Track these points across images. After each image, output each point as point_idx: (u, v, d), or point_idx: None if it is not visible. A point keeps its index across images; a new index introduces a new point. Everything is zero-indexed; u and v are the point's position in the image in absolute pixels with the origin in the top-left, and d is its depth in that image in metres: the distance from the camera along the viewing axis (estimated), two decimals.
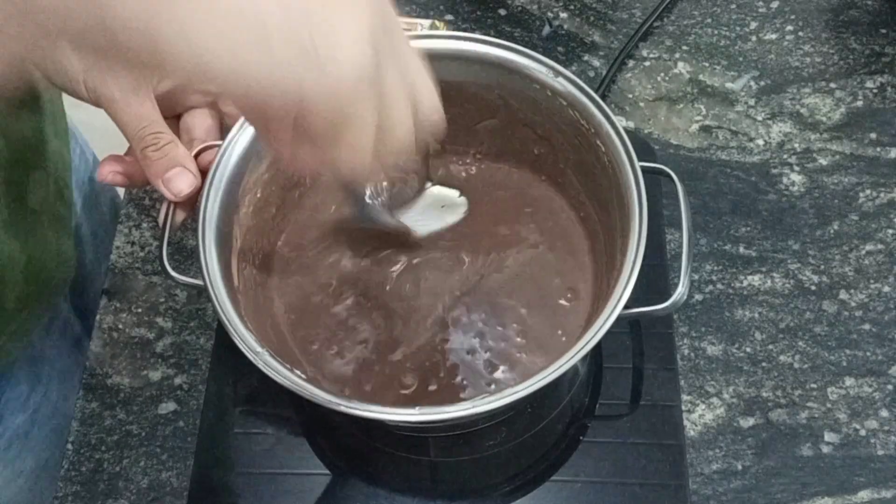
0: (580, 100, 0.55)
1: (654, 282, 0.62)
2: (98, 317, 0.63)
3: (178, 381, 0.61)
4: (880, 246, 0.65)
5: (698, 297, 0.63)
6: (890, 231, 0.66)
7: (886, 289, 0.64)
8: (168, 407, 0.60)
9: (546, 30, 0.76)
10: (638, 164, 0.52)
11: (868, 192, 0.68)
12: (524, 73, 0.57)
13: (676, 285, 0.50)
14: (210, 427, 0.58)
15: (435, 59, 0.58)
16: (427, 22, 0.76)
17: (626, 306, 0.48)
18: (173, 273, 0.52)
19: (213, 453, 0.58)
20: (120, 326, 0.63)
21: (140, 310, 0.64)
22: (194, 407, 0.60)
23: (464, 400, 0.48)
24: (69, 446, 0.59)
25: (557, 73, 0.56)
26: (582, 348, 0.47)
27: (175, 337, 0.63)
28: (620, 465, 0.57)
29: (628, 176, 0.52)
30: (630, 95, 0.73)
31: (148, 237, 0.66)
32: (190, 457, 0.58)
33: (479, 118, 0.62)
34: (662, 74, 0.74)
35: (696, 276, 0.64)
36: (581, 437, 0.58)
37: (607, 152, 0.54)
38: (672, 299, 0.50)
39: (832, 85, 0.73)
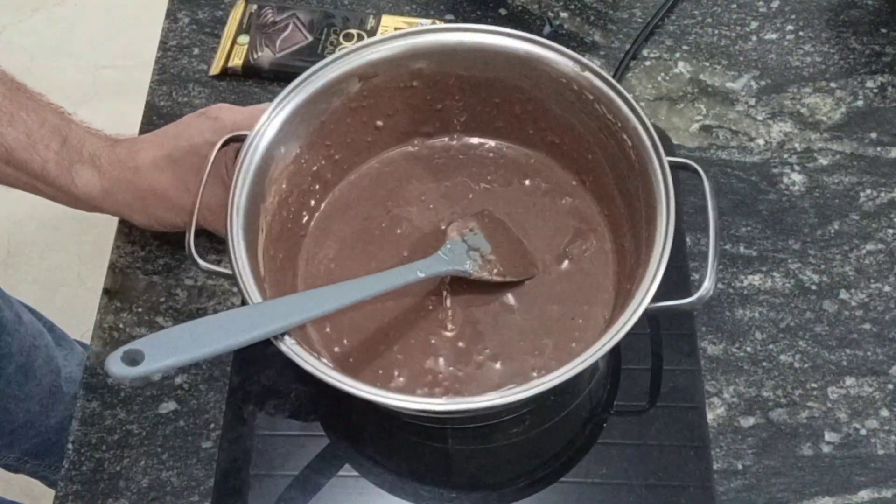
0: (607, 94, 0.56)
1: (674, 277, 0.61)
2: (98, 317, 0.63)
3: (178, 380, 0.61)
4: (881, 245, 0.65)
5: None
6: (890, 231, 0.66)
7: (887, 288, 0.64)
8: (168, 406, 0.60)
9: (546, 29, 0.76)
10: (665, 159, 0.52)
11: (868, 191, 0.68)
12: (550, 67, 0.57)
13: (696, 282, 0.50)
14: (233, 414, 0.59)
15: (460, 52, 0.59)
16: (427, 21, 0.75)
17: (651, 301, 0.48)
18: (201, 262, 0.52)
19: (237, 438, 0.58)
20: (120, 326, 0.63)
21: (140, 309, 0.64)
22: (195, 406, 0.60)
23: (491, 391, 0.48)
24: (69, 446, 0.59)
25: (584, 68, 0.56)
26: (610, 339, 0.48)
27: None
28: (641, 466, 0.57)
29: (655, 170, 0.53)
30: (630, 95, 0.73)
31: (148, 237, 0.66)
32: (190, 456, 0.58)
33: (503, 111, 0.62)
34: (663, 74, 0.74)
35: (696, 276, 0.64)
36: (600, 432, 0.58)
37: (634, 146, 0.54)
38: (698, 294, 0.50)
39: (832, 84, 0.73)
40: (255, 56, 0.74)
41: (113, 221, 0.67)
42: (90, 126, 0.62)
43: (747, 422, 0.59)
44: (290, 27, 0.75)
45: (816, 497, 0.57)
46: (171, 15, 0.78)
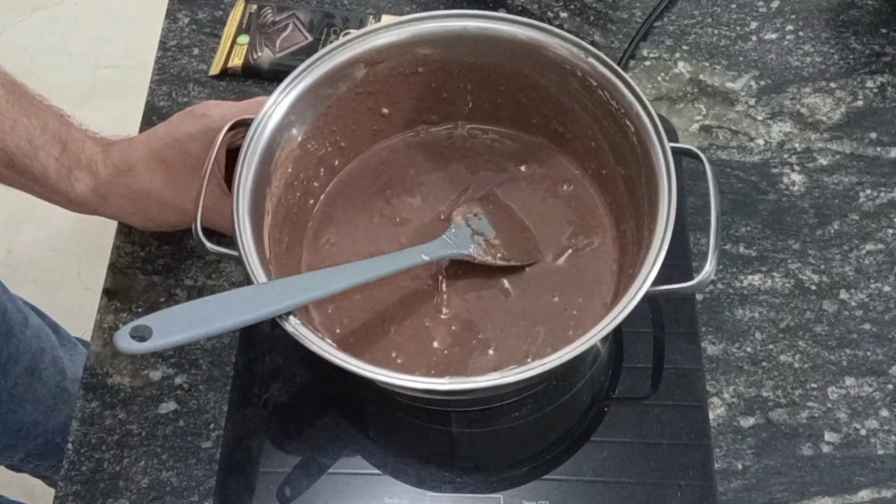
0: (611, 80, 0.56)
1: (676, 269, 0.62)
2: (98, 317, 0.63)
3: (178, 380, 0.61)
4: (880, 245, 0.65)
5: (698, 296, 0.63)
6: (890, 231, 0.66)
7: (887, 288, 0.64)
8: (168, 406, 0.60)
9: None
10: (668, 145, 0.53)
11: (868, 191, 0.68)
12: (553, 53, 0.57)
13: (698, 258, 0.50)
14: (238, 399, 0.59)
15: (464, 39, 0.59)
16: None
17: (653, 284, 0.48)
18: (208, 244, 0.52)
19: (242, 420, 0.59)
20: (120, 326, 0.63)
21: (140, 309, 0.64)
22: (194, 406, 0.60)
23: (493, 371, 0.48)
24: (69, 446, 0.59)
25: (588, 54, 0.56)
26: (613, 319, 0.48)
27: None
28: (642, 463, 0.57)
29: (658, 155, 0.53)
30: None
31: (148, 236, 0.66)
32: (190, 456, 0.58)
33: (507, 99, 0.62)
34: (663, 74, 0.74)
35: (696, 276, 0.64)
36: (602, 419, 0.58)
37: (637, 132, 0.55)
38: (699, 278, 0.50)
39: (832, 85, 0.73)
40: (255, 56, 0.74)
41: (113, 222, 0.67)
42: (88, 129, 0.62)
43: (747, 422, 0.59)
44: (290, 27, 0.75)
45: (816, 497, 0.57)
46: (171, 15, 0.78)
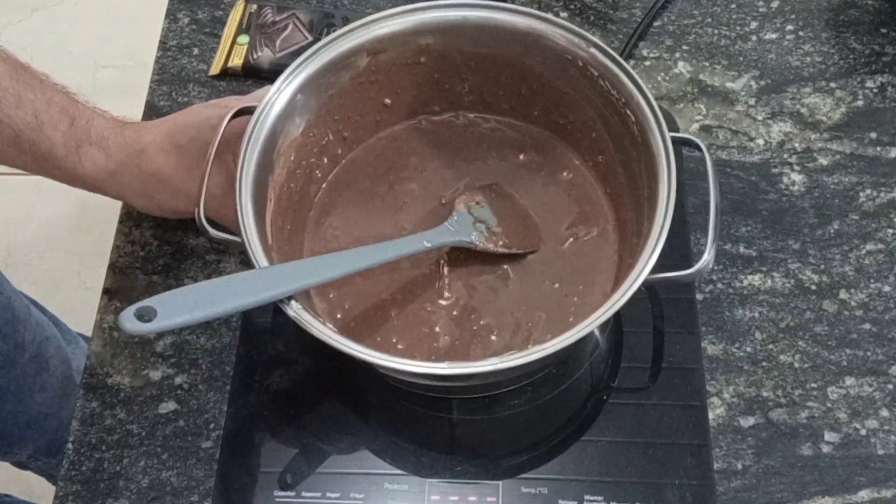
0: (611, 70, 0.56)
1: (676, 260, 0.62)
2: (98, 316, 0.63)
3: (178, 380, 0.61)
4: (880, 245, 0.65)
5: (699, 296, 0.63)
6: (890, 231, 0.66)
7: (887, 288, 0.64)
8: (168, 406, 0.60)
9: None
10: (668, 134, 0.53)
11: (868, 191, 0.68)
12: (554, 43, 0.58)
13: (698, 258, 0.51)
14: (239, 386, 0.60)
15: (465, 28, 0.59)
16: None
17: (652, 272, 0.49)
18: (211, 230, 0.52)
19: (242, 412, 0.59)
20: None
21: None
22: (194, 406, 0.60)
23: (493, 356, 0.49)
24: (69, 446, 0.59)
25: (589, 44, 0.57)
26: (612, 305, 0.48)
27: (175, 336, 0.63)
28: (641, 462, 0.57)
29: (658, 145, 0.53)
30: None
31: (148, 236, 0.66)
32: (190, 456, 0.58)
33: (509, 90, 0.63)
34: (663, 74, 0.74)
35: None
36: (602, 408, 0.59)
37: (637, 122, 0.55)
38: (698, 266, 0.51)
39: (832, 84, 0.73)
40: (255, 56, 0.74)
41: (113, 221, 0.67)
42: (96, 107, 0.62)
43: (747, 422, 0.59)
44: (290, 27, 0.75)
45: (816, 497, 0.57)
46: (171, 15, 0.78)
